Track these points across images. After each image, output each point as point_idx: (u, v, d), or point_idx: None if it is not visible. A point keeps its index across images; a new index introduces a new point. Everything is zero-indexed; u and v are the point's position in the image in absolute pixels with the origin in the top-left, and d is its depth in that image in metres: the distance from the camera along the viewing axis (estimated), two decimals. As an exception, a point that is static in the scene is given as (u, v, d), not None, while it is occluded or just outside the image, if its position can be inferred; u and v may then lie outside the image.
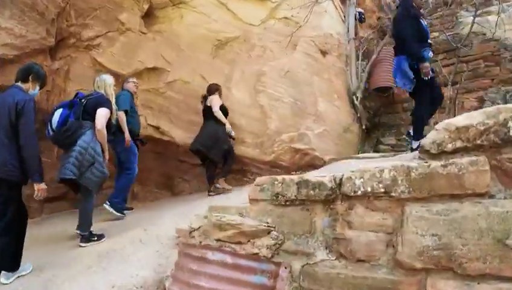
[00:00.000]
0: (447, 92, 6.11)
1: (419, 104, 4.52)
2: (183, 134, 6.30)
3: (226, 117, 5.81)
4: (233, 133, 5.79)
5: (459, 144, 2.45)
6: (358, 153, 6.95)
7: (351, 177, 2.68)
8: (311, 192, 2.85)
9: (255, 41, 6.59)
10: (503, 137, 2.37)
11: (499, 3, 7.45)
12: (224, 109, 5.88)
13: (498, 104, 6.36)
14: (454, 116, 5.96)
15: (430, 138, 2.52)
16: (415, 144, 4.37)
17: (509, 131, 2.37)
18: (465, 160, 2.42)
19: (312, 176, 2.96)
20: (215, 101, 5.80)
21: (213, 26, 6.34)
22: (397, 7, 5.03)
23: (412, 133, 4.62)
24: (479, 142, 2.42)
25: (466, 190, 2.41)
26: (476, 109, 6.65)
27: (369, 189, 2.61)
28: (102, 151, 4.14)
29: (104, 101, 4.26)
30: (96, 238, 4.13)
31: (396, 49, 4.57)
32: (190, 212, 4.05)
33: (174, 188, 6.60)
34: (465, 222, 2.37)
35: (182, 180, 6.66)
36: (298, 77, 6.66)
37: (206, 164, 5.80)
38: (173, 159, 6.67)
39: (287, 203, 2.95)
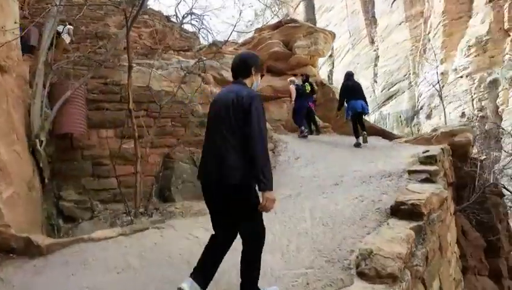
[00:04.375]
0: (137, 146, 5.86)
1: None
2: None
3: None
4: None
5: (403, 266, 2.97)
6: (47, 217, 5.32)
7: None
8: None
9: None
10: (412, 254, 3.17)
11: (158, 58, 8.08)
12: None
13: (186, 163, 6.94)
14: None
15: (396, 267, 2.83)
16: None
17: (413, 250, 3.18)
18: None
19: None
20: None
21: None
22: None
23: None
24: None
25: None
26: (159, 164, 6.86)
27: None
28: None
29: None
30: None
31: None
32: None
33: None
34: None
35: None
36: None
37: None
38: None
39: None
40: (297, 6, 40.47)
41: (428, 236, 3.89)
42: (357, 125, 8.36)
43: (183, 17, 15.12)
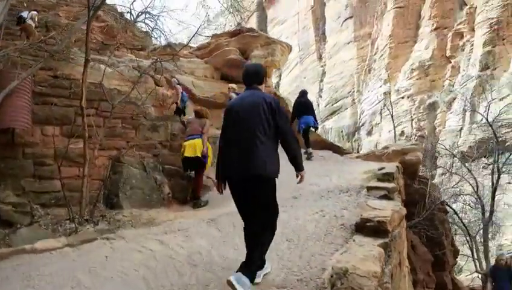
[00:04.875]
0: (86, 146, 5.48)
1: None
2: None
3: None
4: None
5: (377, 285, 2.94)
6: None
7: None
8: None
9: None
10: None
11: (110, 55, 7.64)
12: None
13: (136, 167, 6.53)
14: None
15: (373, 286, 2.79)
16: None
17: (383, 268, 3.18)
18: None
19: None
20: None
21: None
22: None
23: None
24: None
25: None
26: (107, 167, 6.36)
27: None
28: None
29: None
30: None
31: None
32: None
33: None
34: None
35: None
36: None
37: None
38: None
39: None
40: (250, 16, 40.74)
41: (392, 253, 3.94)
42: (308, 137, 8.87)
43: (138, 16, 14.60)
